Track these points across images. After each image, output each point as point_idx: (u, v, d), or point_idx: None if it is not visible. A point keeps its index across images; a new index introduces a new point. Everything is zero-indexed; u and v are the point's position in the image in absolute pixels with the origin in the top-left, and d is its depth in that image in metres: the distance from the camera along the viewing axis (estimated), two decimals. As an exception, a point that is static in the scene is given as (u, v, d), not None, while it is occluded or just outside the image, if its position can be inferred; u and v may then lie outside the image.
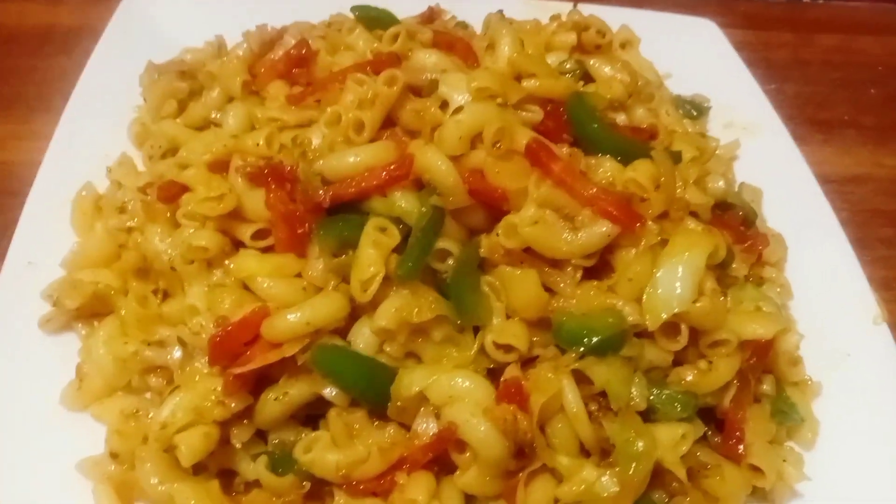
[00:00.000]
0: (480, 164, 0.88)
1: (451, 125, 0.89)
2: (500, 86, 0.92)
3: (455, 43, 1.07)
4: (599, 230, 0.82)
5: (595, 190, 0.83)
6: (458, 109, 0.90)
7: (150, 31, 1.34)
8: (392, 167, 0.87)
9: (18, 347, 0.93)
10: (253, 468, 0.81)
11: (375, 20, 1.09)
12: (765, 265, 1.04)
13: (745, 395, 0.89)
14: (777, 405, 0.93)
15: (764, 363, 0.91)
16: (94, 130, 1.17)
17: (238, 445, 0.82)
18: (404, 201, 0.86)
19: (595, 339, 0.79)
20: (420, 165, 0.87)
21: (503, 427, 0.75)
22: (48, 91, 1.39)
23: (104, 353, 0.90)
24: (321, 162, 0.88)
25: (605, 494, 0.74)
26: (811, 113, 1.53)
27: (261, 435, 0.85)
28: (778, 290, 1.06)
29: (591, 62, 1.07)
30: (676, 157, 0.99)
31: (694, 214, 0.93)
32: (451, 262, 0.83)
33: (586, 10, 1.35)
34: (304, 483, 0.80)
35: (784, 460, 0.90)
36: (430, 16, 1.26)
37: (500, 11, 1.10)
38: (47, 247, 1.02)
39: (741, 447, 0.87)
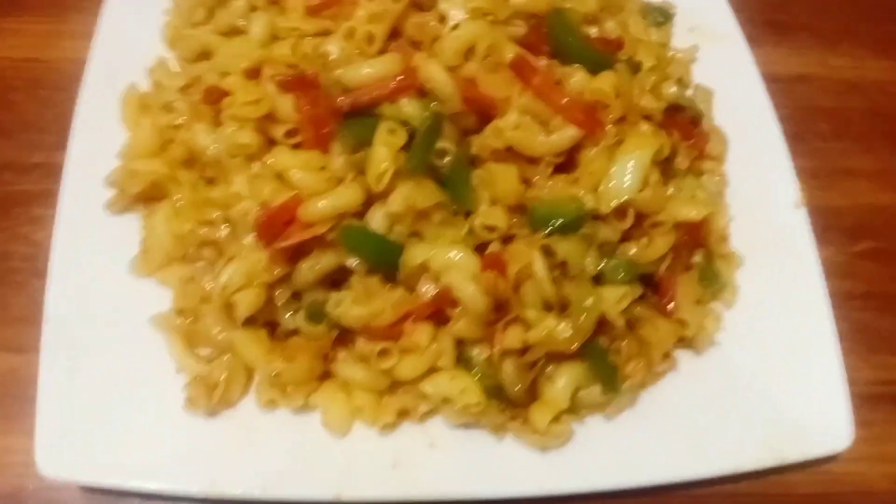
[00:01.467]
0: (473, 74, 1.07)
1: (449, 40, 1.07)
2: (492, 4, 1.08)
3: (450, -42, 1.21)
4: (568, 134, 1.02)
5: (566, 100, 1.02)
6: (456, 26, 1.07)
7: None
8: (400, 78, 1.05)
9: (91, 226, 1.13)
10: (293, 319, 1.04)
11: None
12: (706, 159, 1.24)
13: (678, 265, 1.12)
14: (704, 273, 1.16)
15: (696, 240, 1.13)
16: (130, 32, 1.31)
17: (280, 303, 1.05)
18: (410, 107, 1.04)
19: (559, 222, 1.01)
20: (423, 76, 1.05)
21: (486, 288, 0.98)
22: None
23: (163, 230, 1.11)
24: (340, 71, 1.06)
25: (561, 337, 0.99)
26: (770, 15, 1.67)
27: (295, 296, 1.07)
28: (717, 178, 1.27)
29: (566, -24, 1.22)
30: (637, 67, 1.18)
31: (648, 117, 1.13)
32: (448, 159, 1.03)
33: None
34: (333, 330, 1.04)
35: (706, 316, 1.15)
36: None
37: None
38: (103, 140, 1.21)
39: (671, 305, 1.11)
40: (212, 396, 1.02)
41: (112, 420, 1.03)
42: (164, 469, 1.00)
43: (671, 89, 1.20)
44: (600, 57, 1.13)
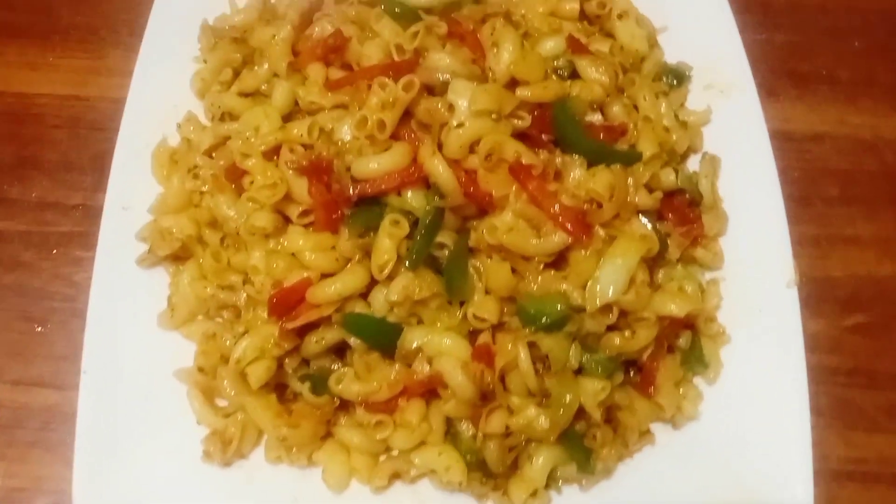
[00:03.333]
0: (475, 166, 1.14)
1: (454, 136, 1.13)
2: (497, 103, 1.14)
3: (466, 36, 1.26)
4: (558, 240, 1.10)
5: (557, 207, 1.09)
6: (461, 125, 1.13)
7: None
8: (405, 172, 1.12)
9: (122, 280, 1.24)
10: (298, 387, 1.15)
11: (399, 14, 1.27)
12: (699, 244, 1.29)
13: (660, 352, 1.20)
14: (688, 356, 1.24)
15: (678, 329, 1.21)
16: (166, 74, 1.38)
17: (290, 371, 1.16)
18: (414, 200, 1.12)
19: (545, 320, 1.09)
20: (427, 170, 1.12)
21: (474, 379, 1.08)
22: (116, 23, 1.58)
23: (188, 291, 1.22)
24: (351, 159, 1.14)
25: (539, 428, 1.08)
26: (793, 65, 1.66)
27: (305, 361, 1.18)
28: (711, 256, 1.32)
29: (580, 62, 1.26)
30: (636, 158, 1.22)
31: (644, 212, 1.19)
32: (446, 251, 1.11)
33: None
34: (335, 400, 1.15)
35: (684, 398, 1.23)
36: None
37: (506, 14, 1.27)
38: (136, 192, 1.30)
39: (651, 388, 1.20)
40: (226, 451, 1.14)
41: (138, 462, 1.16)
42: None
43: (670, 177, 1.24)
44: (600, 148, 1.18)
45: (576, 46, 1.28)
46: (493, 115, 1.14)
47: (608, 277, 1.10)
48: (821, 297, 1.43)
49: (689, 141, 1.38)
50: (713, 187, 1.37)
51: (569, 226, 1.09)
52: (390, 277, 1.11)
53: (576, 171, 1.16)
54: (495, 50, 1.23)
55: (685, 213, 1.27)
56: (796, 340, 1.28)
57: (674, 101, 1.43)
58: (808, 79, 1.66)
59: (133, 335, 1.22)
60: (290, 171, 1.15)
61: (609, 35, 1.41)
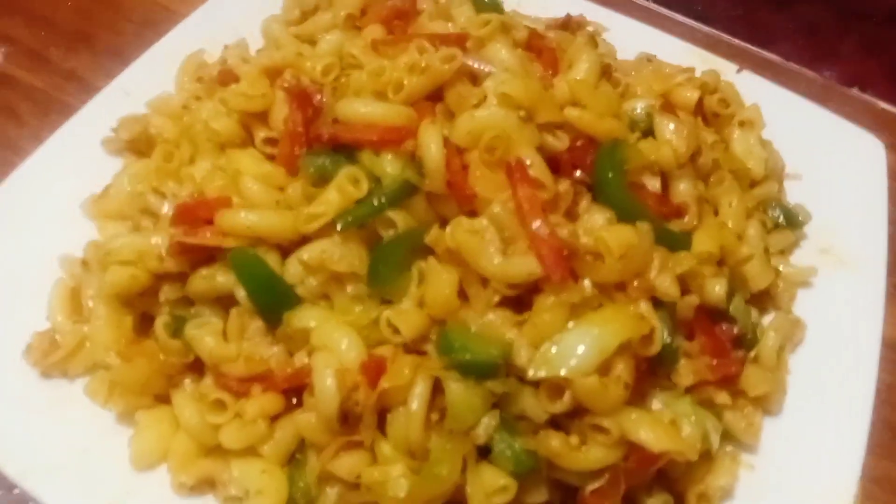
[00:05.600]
0: (470, 161, 0.90)
1: (464, 117, 0.92)
2: (529, 100, 0.92)
3: (544, 51, 1.07)
4: (523, 264, 0.82)
5: (540, 226, 0.82)
6: (479, 106, 0.92)
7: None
8: (392, 130, 0.91)
9: (73, 157, 1.12)
10: (157, 323, 0.92)
11: (484, 6, 1.12)
12: (733, 394, 0.94)
13: (612, 495, 0.84)
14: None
15: (647, 475, 0.85)
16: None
17: (161, 300, 0.93)
18: (390, 165, 0.90)
19: (465, 357, 0.79)
20: (418, 140, 0.91)
21: (342, 389, 0.79)
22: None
23: (126, 183, 1.06)
24: (338, 101, 0.95)
25: (391, 494, 0.76)
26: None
27: (187, 301, 0.95)
28: (743, 426, 0.96)
29: (660, 118, 1.02)
30: (684, 242, 0.94)
31: (659, 303, 0.88)
32: (392, 231, 0.87)
33: (750, 80, 1.29)
34: (190, 353, 0.90)
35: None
36: (566, 23, 1.26)
37: (594, 33, 1.09)
38: (148, 86, 1.20)
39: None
40: (48, 356, 0.92)
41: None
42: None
43: (716, 288, 0.93)
44: (639, 211, 0.91)
45: (666, 107, 1.04)
46: (522, 113, 0.91)
47: (573, 345, 0.80)
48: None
49: (769, 279, 1.06)
50: (779, 350, 1.03)
51: (546, 253, 0.81)
52: (315, 237, 0.88)
53: (595, 217, 0.89)
54: (569, 70, 1.03)
55: (722, 344, 0.94)
56: None
57: (773, 241, 1.14)
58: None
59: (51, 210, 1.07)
60: (280, 93, 0.98)
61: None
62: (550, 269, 0.80)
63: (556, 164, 0.93)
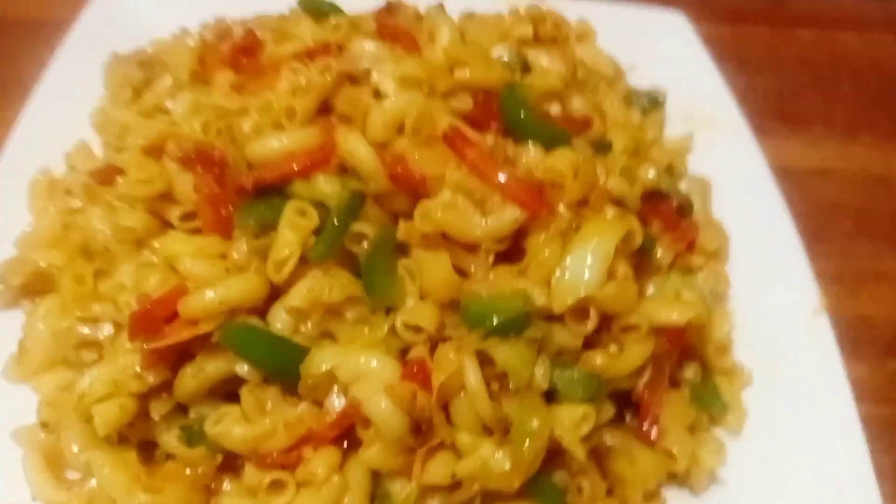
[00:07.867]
0: (404, 150, 0.91)
1: (376, 112, 0.92)
2: (427, 74, 0.94)
3: (399, 34, 1.09)
4: (508, 215, 0.84)
5: (506, 176, 0.85)
6: (384, 98, 0.92)
7: (123, 24, 1.38)
8: (315, 154, 0.89)
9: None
10: (166, 439, 0.84)
11: (322, 13, 1.12)
12: (698, 254, 1.04)
13: (661, 381, 0.90)
14: (698, 392, 0.94)
15: (684, 350, 0.91)
16: (59, 118, 1.21)
17: (157, 418, 0.85)
18: (327, 186, 0.88)
19: (498, 321, 0.80)
20: (343, 151, 0.89)
21: (402, 404, 0.77)
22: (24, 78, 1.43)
23: (43, 327, 0.94)
24: (248, 147, 0.91)
25: (497, 471, 0.76)
26: (780, 107, 1.52)
27: (185, 410, 0.88)
28: (715, 277, 1.06)
29: (531, 53, 1.08)
30: (606, 147, 1.01)
31: (620, 203, 0.95)
32: (366, 244, 0.86)
33: (554, 4, 1.38)
34: (217, 455, 0.83)
35: (702, 446, 0.91)
36: (389, 9, 1.28)
37: (440, 4, 1.12)
38: (6, 229, 1.07)
39: (654, 431, 0.88)
40: (62, 538, 0.81)
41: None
42: None
43: (649, 173, 1.01)
44: (559, 133, 0.96)
45: (540, 42, 1.11)
46: (425, 88, 0.93)
47: (579, 267, 0.84)
48: (857, 338, 1.16)
49: (668, 158, 1.17)
50: (704, 203, 1.15)
51: (522, 196, 0.83)
52: (294, 283, 0.85)
53: (530, 154, 0.93)
54: (431, 43, 1.06)
55: (673, 218, 1.02)
56: (839, 378, 0.99)
57: (648, 122, 1.25)
58: (799, 119, 1.50)
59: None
60: (175, 166, 0.92)
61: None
62: (533, 207, 0.83)
63: (469, 124, 0.96)
